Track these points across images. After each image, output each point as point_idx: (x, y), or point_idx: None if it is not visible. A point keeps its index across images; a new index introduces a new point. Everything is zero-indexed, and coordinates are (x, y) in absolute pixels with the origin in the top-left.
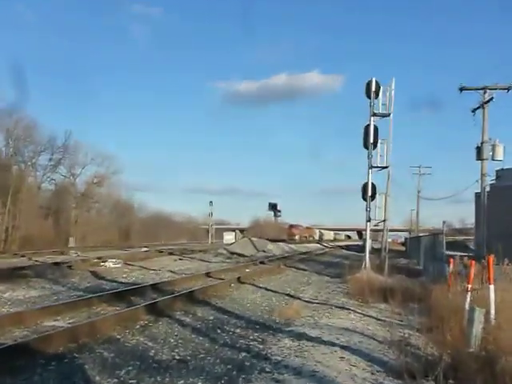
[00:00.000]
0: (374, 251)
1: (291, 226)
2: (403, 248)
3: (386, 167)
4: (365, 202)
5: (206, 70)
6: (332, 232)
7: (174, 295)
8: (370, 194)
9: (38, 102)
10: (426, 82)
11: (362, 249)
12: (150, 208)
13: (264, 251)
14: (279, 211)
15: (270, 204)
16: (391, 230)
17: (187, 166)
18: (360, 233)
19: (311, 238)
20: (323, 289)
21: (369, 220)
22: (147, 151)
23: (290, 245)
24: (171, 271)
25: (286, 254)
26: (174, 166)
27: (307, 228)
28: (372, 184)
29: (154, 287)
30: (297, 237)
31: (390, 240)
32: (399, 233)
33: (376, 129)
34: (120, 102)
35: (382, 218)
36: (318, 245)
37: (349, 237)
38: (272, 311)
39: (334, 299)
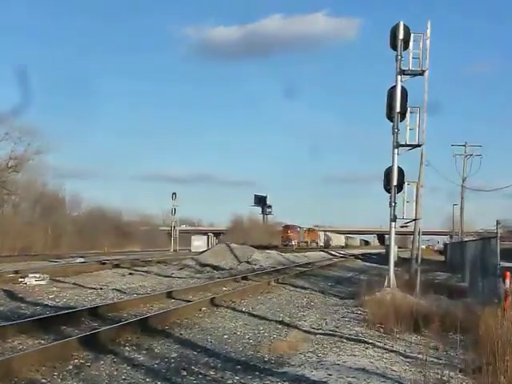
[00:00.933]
0: (401, 262)
1: (286, 228)
2: (441, 257)
3: (419, 146)
4: (388, 195)
5: (170, 12)
6: (342, 236)
7: (122, 323)
8: (395, 182)
9: None
10: (471, 29)
11: (384, 259)
12: (89, 203)
13: (248, 262)
14: (269, 207)
15: (256, 197)
16: (425, 233)
17: (142, 146)
18: (382, 237)
19: (314, 244)
20: (330, 314)
21: (394, 219)
22: (86, 125)
23: (284, 253)
24: (118, 290)
25: (280, 267)
26: (124, 145)
27: (308, 230)
28: (399, 169)
29: (94, 313)
30: (294, 242)
31: (423, 247)
32: (436, 237)
33: (405, 92)
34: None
35: (413, 217)
36: (323, 253)
37: (366, 242)
38: (259, 346)
39: (345, 328)
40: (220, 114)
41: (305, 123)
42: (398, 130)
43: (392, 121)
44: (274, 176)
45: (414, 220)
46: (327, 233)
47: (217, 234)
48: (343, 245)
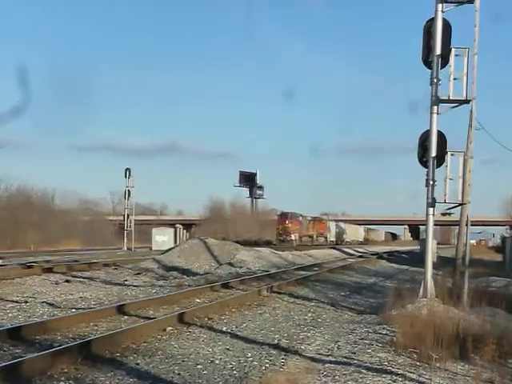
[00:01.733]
0: (442, 263)
1: (284, 217)
2: (498, 256)
3: (466, 102)
4: (424, 171)
5: None
6: (361, 228)
7: (55, 350)
8: (434, 153)
9: None
10: None
11: (418, 259)
12: (8, 183)
13: (231, 264)
14: (260, 188)
15: (242, 175)
16: (475, 223)
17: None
18: (415, 229)
19: (322, 239)
20: (344, 334)
21: (432, 204)
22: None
23: (281, 252)
24: (49, 304)
25: (274, 270)
26: (58, 106)
27: (314, 220)
28: (439, 135)
29: (15, 335)
30: (294, 236)
31: (472, 242)
32: (491, 228)
33: (448, 27)
34: None
35: (459, 201)
36: (335, 251)
37: (394, 236)
38: (246, 379)
39: (365, 354)
40: (184, 52)
41: (304, 68)
42: (439, 79)
43: (430, 67)
44: (266, 147)
45: (460, 205)
46: (340, 223)
47: (188, 225)
48: (362, 240)
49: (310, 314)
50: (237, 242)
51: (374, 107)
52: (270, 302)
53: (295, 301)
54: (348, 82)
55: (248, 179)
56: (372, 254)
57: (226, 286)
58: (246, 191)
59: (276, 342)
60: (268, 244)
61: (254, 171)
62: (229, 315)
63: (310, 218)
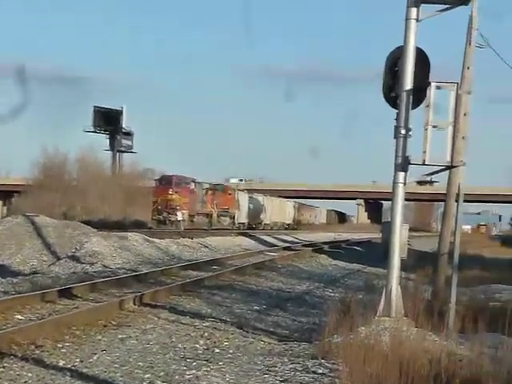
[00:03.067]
0: (416, 261)
1: (165, 183)
2: (505, 252)
3: (465, 1)
4: (393, 112)
5: None
6: (290, 202)
7: None
8: (408, 84)
9: None
10: None
11: (378, 253)
12: None
13: (77, 258)
14: (128, 136)
15: (98, 113)
16: (470, 199)
17: None
18: (375, 206)
19: (227, 219)
20: (256, 375)
21: (404, 167)
22: None
23: (159, 239)
24: None
25: (147, 269)
26: None
27: (214, 189)
28: (419, 54)
29: None
30: (181, 214)
31: (466, 228)
32: (494, 206)
33: None
34: None
35: (446, 162)
36: (246, 238)
37: (341, 216)
38: None
39: None
40: None
41: None
42: None
43: None
44: (137, 73)
45: (448, 168)
46: (256, 196)
47: (6, 194)
48: (291, 222)
49: (202, 341)
50: (87, 223)
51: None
52: (138, 320)
53: (180, 319)
54: None
55: (108, 121)
56: (305, 245)
57: (66, 293)
58: (104, 140)
59: None
60: (139, 227)
61: (118, 108)
62: (70, 342)
63: (208, 186)
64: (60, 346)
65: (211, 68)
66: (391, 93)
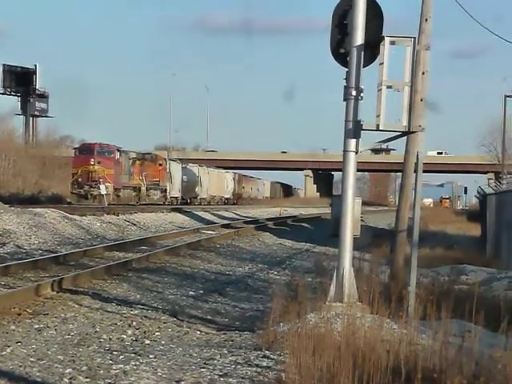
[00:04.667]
0: (371, 239)
1: (86, 152)
2: (472, 228)
3: None
4: (342, 70)
5: None
6: (229, 174)
7: None
8: (360, 39)
9: None
10: None
11: (331, 230)
12: None
13: None
14: (42, 97)
15: (8, 72)
16: (432, 169)
17: None
18: (324, 176)
19: (157, 194)
20: (192, 369)
21: (356, 133)
22: None
23: (79, 216)
24: None
25: (66, 250)
26: None
27: (143, 159)
28: (369, 2)
29: None
30: (105, 187)
31: (428, 201)
32: (461, 177)
33: None
34: None
35: (403, 127)
36: (180, 215)
37: (287, 189)
38: None
39: None
40: None
41: None
42: None
43: None
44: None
45: (405, 134)
46: (191, 166)
47: None
48: (230, 196)
49: (130, 332)
50: None
51: None
52: (57, 308)
53: (104, 306)
54: None
55: (20, 81)
56: (247, 222)
57: None
58: (15, 102)
59: (67, 382)
60: (57, 202)
61: (30, 66)
62: None
63: (135, 156)
64: None
65: (134, 20)
66: (341, 48)
